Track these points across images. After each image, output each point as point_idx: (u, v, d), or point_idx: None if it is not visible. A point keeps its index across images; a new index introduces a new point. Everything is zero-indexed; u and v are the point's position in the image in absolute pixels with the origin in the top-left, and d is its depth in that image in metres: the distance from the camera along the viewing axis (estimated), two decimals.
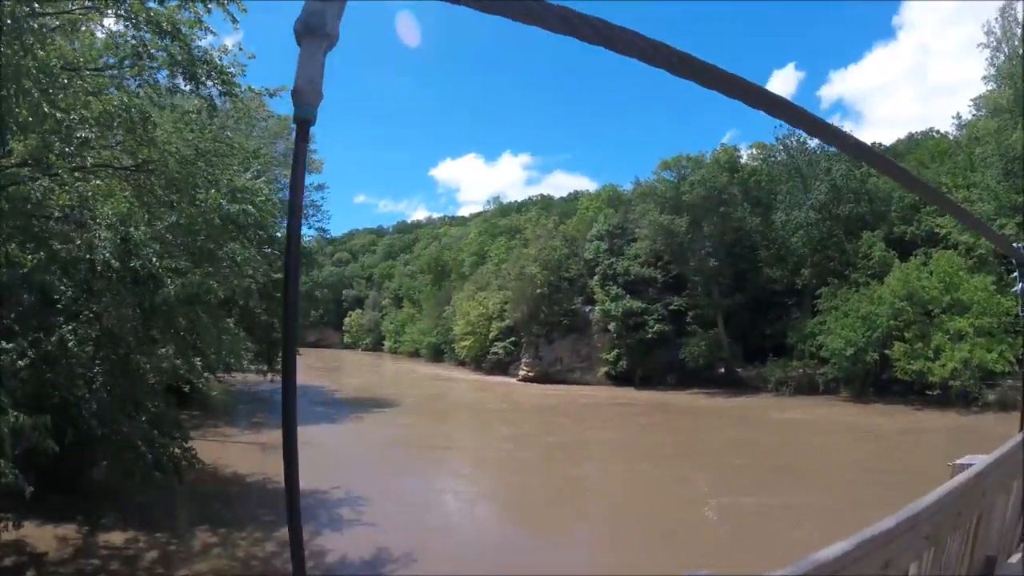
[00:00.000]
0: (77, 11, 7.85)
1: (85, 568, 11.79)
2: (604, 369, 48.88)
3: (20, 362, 10.04)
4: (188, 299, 9.96)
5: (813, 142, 45.64)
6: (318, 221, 43.33)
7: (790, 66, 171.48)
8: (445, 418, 36.42)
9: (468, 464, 23.72)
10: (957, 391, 30.98)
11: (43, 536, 12.40)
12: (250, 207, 11.34)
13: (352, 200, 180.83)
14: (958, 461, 3.60)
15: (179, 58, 9.18)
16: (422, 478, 20.91)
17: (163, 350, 12.99)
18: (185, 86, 9.84)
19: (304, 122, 1.07)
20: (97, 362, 10.24)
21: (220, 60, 11.92)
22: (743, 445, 26.15)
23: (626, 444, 27.68)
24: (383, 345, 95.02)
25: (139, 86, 10.22)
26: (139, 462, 10.52)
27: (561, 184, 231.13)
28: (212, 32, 9.53)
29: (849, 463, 22.83)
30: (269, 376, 37.13)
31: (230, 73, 10.19)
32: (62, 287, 9.11)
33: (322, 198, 43.26)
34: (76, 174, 9.80)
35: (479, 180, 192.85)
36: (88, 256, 8.59)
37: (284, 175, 40.34)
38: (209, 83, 9.64)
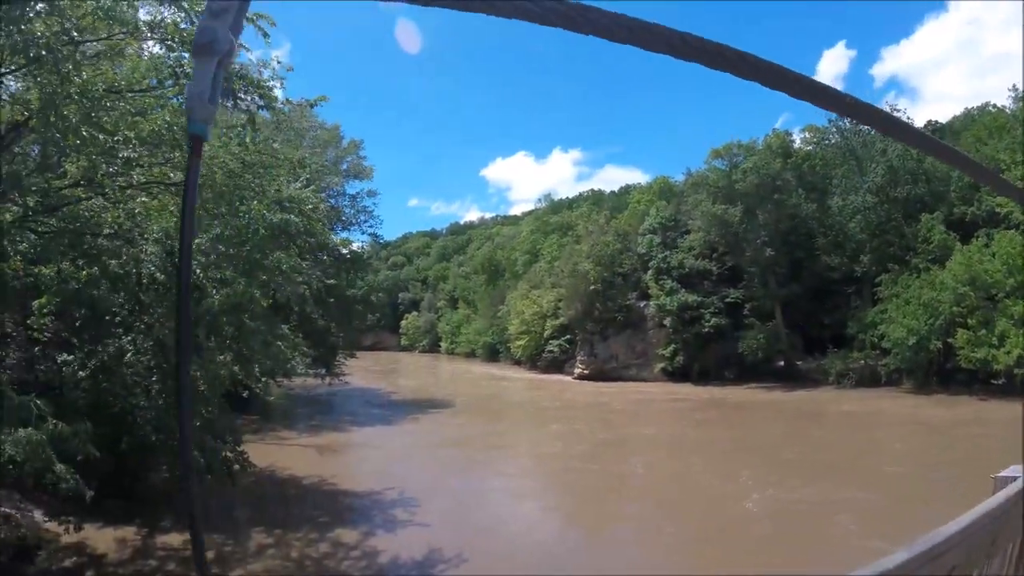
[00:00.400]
0: (115, 37, 8.18)
1: (143, 568, 12.27)
2: (660, 365, 48.21)
3: (80, 372, 10.58)
4: (231, 308, 10.24)
5: None
6: (371, 227, 43.91)
7: (840, 44, 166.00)
8: (499, 417, 36.44)
9: (520, 463, 23.75)
10: (1023, 379, 29.41)
11: (103, 538, 12.94)
12: (293, 216, 11.61)
13: (406, 204, 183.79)
14: (1002, 473, 3.19)
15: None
16: (475, 478, 21.03)
17: (221, 357, 13.47)
18: (223, 102, 10.13)
19: (195, 138, 1.08)
20: (153, 371, 10.68)
21: (261, 73, 12.32)
22: (795, 439, 25.58)
23: (679, 440, 27.29)
24: (440, 346, 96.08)
25: (182, 104, 10.59)
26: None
27: (613, 178, 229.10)
28: (245, 48, 9.81)
29: (901, 456, 22.02)
30: (328, 380, 38.10)
31: (267, 86, 10.47)
32: (118, 300, 9.54)
33: (374, 204, 43.90)
34: (128, 192, 10.25)
35: (530, 178, 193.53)
36: (135, 270, 8.96)
37: (335, 183, 41.31)
38: (246, 97, 9.91)
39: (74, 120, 6.79)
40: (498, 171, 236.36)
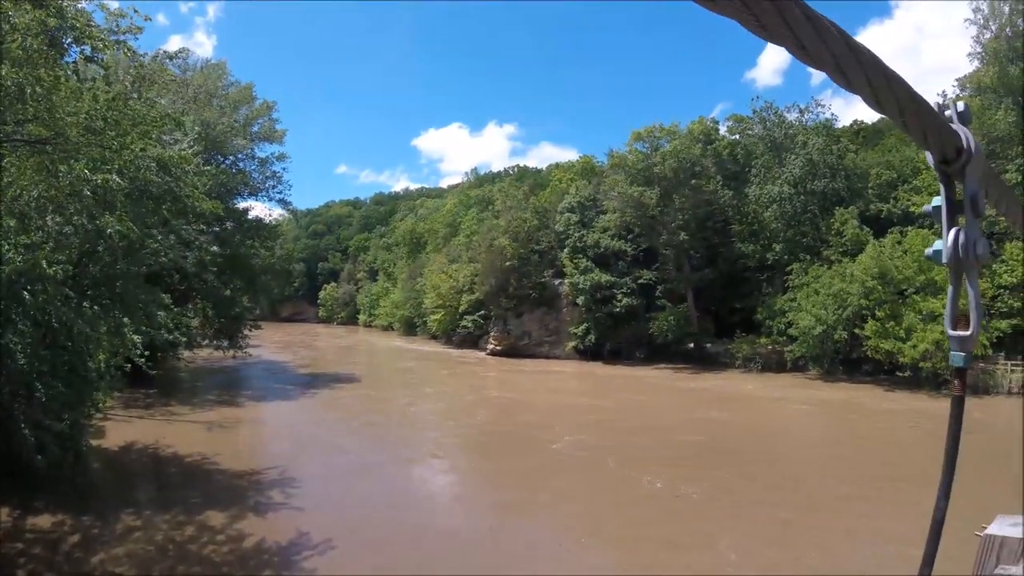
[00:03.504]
0: None
1: (8, 552, 11.57)
2: (572, 343, 48.83)
3: None
4: (22, 274, 9.27)
5: (791, 115, 45.19)
6: (279, 193, 41.81)
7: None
8: (397, 392, 35.60)
9: (408, 444, 22.92)
10: (928, 373, 30.72)
11: None
12: (115, 176, 10.53)
13: (333, 171, 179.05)
14: (989, 530, 2.17)
15: (49, 24, 8.61)
16: (361, 456, 20.31)
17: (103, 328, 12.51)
18: (52, 52, 9.24)
19: None
20: None
21: (118, 24, 11.41)
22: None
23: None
24: (358, 319, 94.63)
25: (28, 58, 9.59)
26: (24, 445, 10.13)
27: (548, 156, 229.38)
28: None
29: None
30: (232, 352, 36.79)
31: (101, 37, 9.58)
32: None
33: (284, 169, 41.81)
34: None
35: (463, 151, 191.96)
36: None
37: (243, 146, 39.32)
38: (75, 47, 9.05)
39: None
40: (431, 141, 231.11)
